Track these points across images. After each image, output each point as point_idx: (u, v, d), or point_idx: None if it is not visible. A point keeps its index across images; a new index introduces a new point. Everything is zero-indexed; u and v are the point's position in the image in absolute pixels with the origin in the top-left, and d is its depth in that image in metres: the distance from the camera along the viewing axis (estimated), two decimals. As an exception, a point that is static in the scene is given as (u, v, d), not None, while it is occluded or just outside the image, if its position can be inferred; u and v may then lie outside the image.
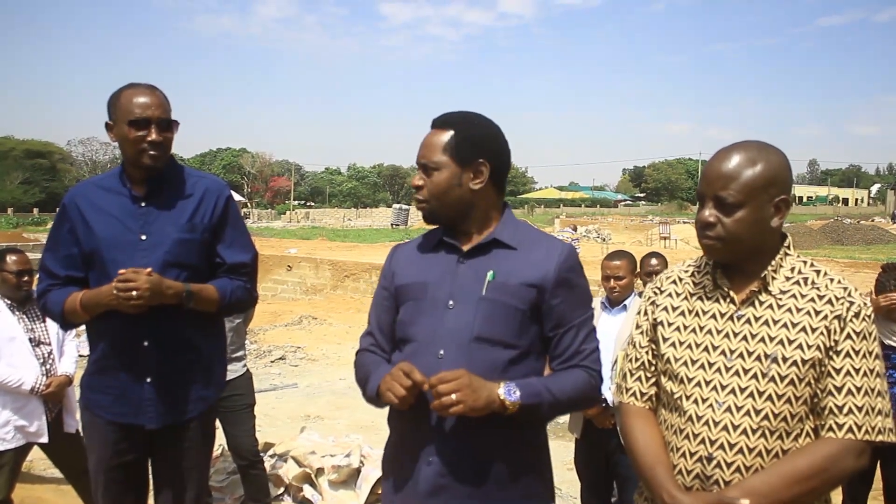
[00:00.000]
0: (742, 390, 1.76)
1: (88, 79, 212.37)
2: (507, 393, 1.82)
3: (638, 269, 4.12)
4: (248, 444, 4.33)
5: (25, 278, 3.98)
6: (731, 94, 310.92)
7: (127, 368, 2.60)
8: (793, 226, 39.56)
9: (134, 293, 2.40)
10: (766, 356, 1.75)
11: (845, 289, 1.77)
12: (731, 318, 1.82)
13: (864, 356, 1.72)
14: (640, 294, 3.83)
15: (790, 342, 1.74)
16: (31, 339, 3.99)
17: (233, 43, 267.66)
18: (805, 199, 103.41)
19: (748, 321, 1.79)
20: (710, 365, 1.81)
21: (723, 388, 1.78)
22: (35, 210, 50.08)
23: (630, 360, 2.01)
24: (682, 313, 1.91)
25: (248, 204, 70.17)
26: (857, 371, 1.71)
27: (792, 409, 1.73)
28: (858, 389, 1.71)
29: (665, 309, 1.95)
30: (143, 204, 2.62)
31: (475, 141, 1.99)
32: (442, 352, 1.93)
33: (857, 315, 1.73)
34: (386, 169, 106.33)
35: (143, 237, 2.58)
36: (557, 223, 40.35)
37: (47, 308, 2.69)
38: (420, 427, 1.95)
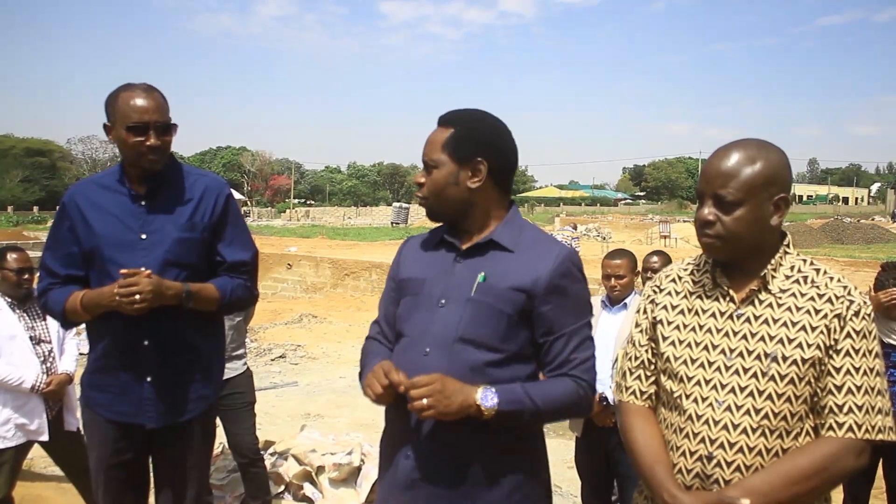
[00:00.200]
0: (742, 389, 1.76)
1: (88, 77, 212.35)
2: (484, 398, 1.80)
3: (639, 268, 4.12)
4: (248, 442, 4.33)
5: (26, 276, 3.98)
6: (732, 93, 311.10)
7: (127, 367, 2.60)
8: (793, 224, 39.56)
9: (137, 297, 2.40)
10: (766, 355, 1.75)
11: (845, 287, 1.77)
12: (730, 316, 1.82)
13: (864, 355, 1.72)
14: (641, 292, 3.83)
15: (790, 341, 1.74)
16: (31, 338, 3.99)
17: (232, 42, 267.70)
18: (805, 198, 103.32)
19: (748, 320, 1.79)
20: (710, 364, 1.81)
21: (723, 386, 1.78)
22: (35, 208, 50.11)
23: (630, 359, 2.01)
24: (682, 312, 1.91)
25: (249, 202, 70.14)
26: (857, 370, 1.71)
27: (792, 408, 1.73)
28: (858, 388, 1.71)
29: (664, 307, 1.95)
30: (142, 203, 2.62)
31: (474, 139, 1.97)
32: (428, 349, 1.94)
33: (856, 314, 1.73)
34: (386, 167, 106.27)
35: (143, 236, 2.58)
36: (557, 222, 40.33)
37: (48, 307, 2.69)
38: (403, 422, 1.98)
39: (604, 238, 33.75)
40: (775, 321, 1.77)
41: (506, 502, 1.92)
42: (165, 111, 2.58)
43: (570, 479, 4.85)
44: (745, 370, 1.76)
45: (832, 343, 1.73)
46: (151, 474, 2.82)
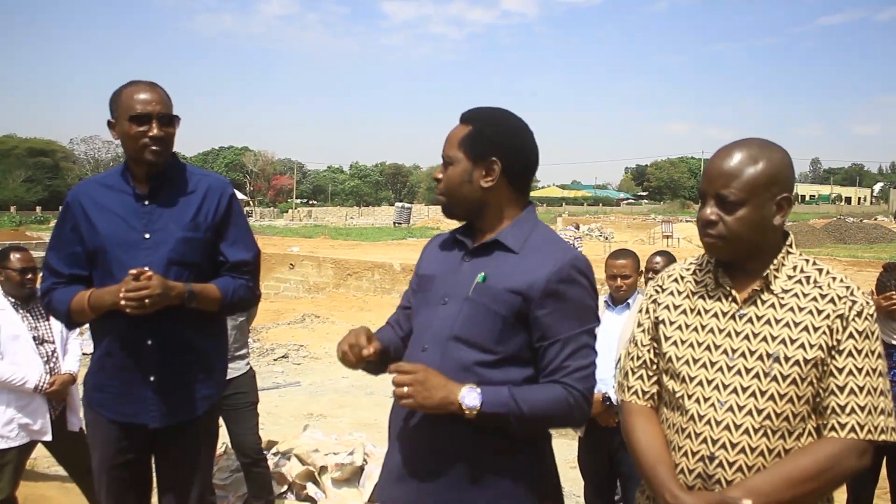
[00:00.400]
0: (744, 389, 1.76)
1: (90, 77, 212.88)
2: (466, 398, 1.79)
3: (643, 267, 4.12)
4: (251, 442, 4.33)
5: (29, 276, 3.98)
6: (733, 93, 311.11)
7: (130, 368, 2.60)
8: (795, 224, 39.52)
9: (147, 301, 2.40)
10: (769, 355, 1.74)
11: (847, 287, 1.76)
12: (733, 316, 1.81)
13: (866, 355, 1.72)
14: (644, 292, 3.82)
15: (792, 341, 1.73)
16: (34, 338, 3.99)
17: (234, 42, 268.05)
18: (808, 198, 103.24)
19: (750, 320, 1.79)
20: (712, 364, 1.81)
21: (725, 387, 1.78)
22: (38, 208, 50.23)
23: (632, 359, 2.01)
24: (684, 312, 1.90)
25: (251, 202, 70.22)
26: (860, 370, 1.71)
27: (794, 408, 1.73)
28: (861, 389, 1.70)
29: (667, 307, 1.94)
30: (146, 202, 2.62)
31: (489, 138, 1.95)
32: (426, 346, 1.97)
33: (859, 314, 1.73)
34: (388, 167, 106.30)
35: (147, 235, 2.59)
36: (560, 222, 40.30)
37: (52, 306, 2.69)
38: (396, 416, 2.03)
39: (606, 238, 33.75)
40: (778, 321, 1.76)
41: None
42: (168, 104, 2.60)
43: (572, 479, 4.85)
44: (748, 370, 1.76)
45: (835, 343, 1.72)
46: (154, 474, 2.82)
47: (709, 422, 1.78)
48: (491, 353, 1.89)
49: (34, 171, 62.30)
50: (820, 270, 1.81)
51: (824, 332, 1.72)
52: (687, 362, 1.85)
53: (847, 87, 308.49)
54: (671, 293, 1.96)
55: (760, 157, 1.74)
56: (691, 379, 1.83)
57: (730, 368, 1.78)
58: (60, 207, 2.77)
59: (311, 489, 4.59)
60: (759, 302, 1.80)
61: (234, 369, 4.22)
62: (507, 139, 1.97)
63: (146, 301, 2.40)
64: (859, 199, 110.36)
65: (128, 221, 2.60)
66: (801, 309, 1.76)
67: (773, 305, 1.78)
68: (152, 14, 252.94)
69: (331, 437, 5.23)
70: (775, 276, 1.80)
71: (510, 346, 1.90)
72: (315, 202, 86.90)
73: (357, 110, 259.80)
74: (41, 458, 5.21)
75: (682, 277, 1.97)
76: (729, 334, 1.80)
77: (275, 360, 10.53)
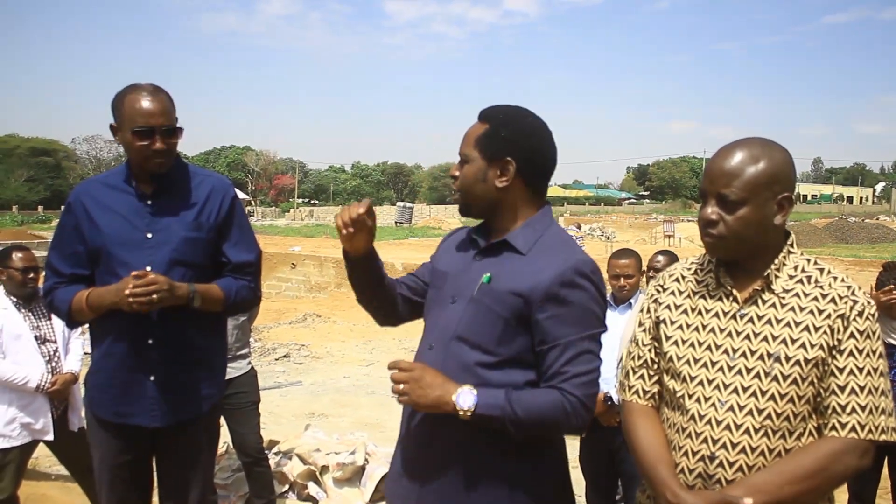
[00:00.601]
0: (745, 389, 1.76)
1: (93, 77, 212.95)
2: (461, 399, 1.78)
3: (645, 267, 4.12)
4: (252, 441, 4.34)
5: (31, 275, 3.98)
6: (736, 92, 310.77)
7: (131, 367, 2.61)
8: (797, 224, 39.50)
9: (154, 297, 2.40)
10: (769, 355, 1.74)
11: (849, 287, 1.76)
12: (733, 316, 1.81)
13: (867, 355, 1.72)
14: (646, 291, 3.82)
15: (793, 341, 1.73)
16: (36, 337, 4.00)
17: (237, 41, 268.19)
18: (809, 198, 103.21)
19: (751, 320, 1.79)
20: (713, 363, 1.81)
21: (725, 386, 1.78)
22: (40, 208, 50.29)
23: (633, 358, 2.01)
24: (685, 311, 1.90)
25: (253, 202, 70.21)
26: (861, 370, 1.71)
27: (795, 408, 1.73)
28: (862, 388, 1.70)
29: (668, 307, 1.94)
30: (149, 202, 2.62)
31: (505, 138, 1.93)
32: (432, 344, 1.98)
33: (860, 314, 1.73)
34: (390, 167, 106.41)
35: (149, 235, 2.59)
36: (561, 221, 40.27)
37: (54, 306, 2.69)
38: (402, 414, 2.05)
39: (608, 238, 33.75)
40: (778, 321, 1.76)
41: None
42: (171, 114, 2.58)
43: (573, 479, 4.83)
44: (748, 370, 1.76)
45: (835, 343, 1.72)
46: (155, 474, 2.83)
47: (709, 421, 1.78)
48: (491, 355, 1.88)
49: (36, 170, 62.35)
50: (821, 270, 1.81)
51: (825, 332, 1.72)
52: (688, 362, 1.85)
53: (851, 87, 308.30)
54: (672, 293, 1.96)
55: (761, 157, 1.74)
56: (692, 378, 1.83)
57: (730, 368, 1.78)
58: (62, 207, 2.77)
59: (312, 489, 4.59)
60: (760, 301, 1.80)
61: (236, 369, 4.22)
62: (524, 139, 1.94)
63: (154, 297, 2.40)
64: (861, 198, 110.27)
65: (130, 221, 2.60)
66: (802, 308, 1.76)
67: (774, 305, 1.78)
68: (156, 13, 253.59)
69: (332, 437, 5.24)
70: (776, 276, 1.80)
71: (511, 349, 1.88)
72: (317, 202, 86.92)
73: (359, 110, 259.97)
74: (43, 458, 5.21)
75: (684, 277, 1.97)
76: (730, 334, 1.80)
77: (276, 359, 10.54)
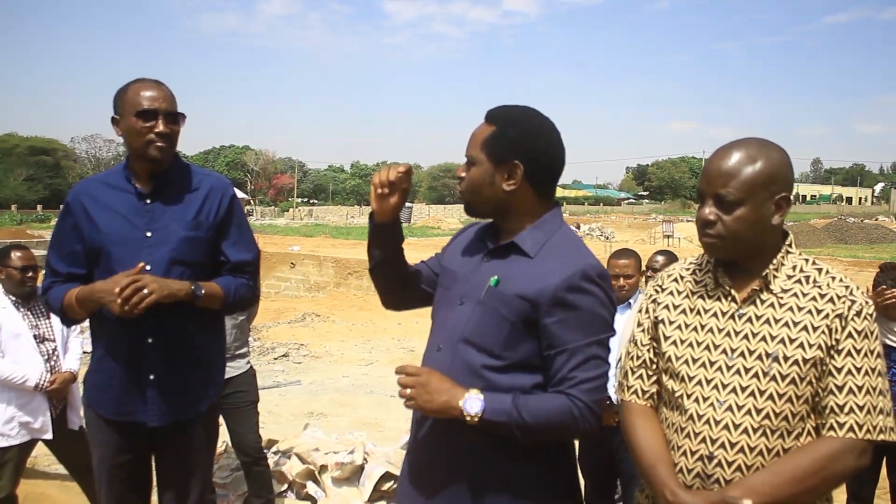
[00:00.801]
0: (743, 389, 1.76)
1: (92, 76, 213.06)
2: (468, 404, 1.78)
3: (644, 267, 4.12)
4: (251, 440, 4.33)
5: (30, 274, 3.98)
6: (736, 92, 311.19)
7: (130, 366, 2.61)
8: (796, 224, 39.53)
9: (146, 290, 2.40)
10: (768, 355, 1.75)
11: (847, 287, 1.77)
12: (732, 316, 1.82)
13: (865, 355, 1.72)
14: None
15: (791, 341, 1.74)
16: (35, 336, 4.00)
17: (237, 40, 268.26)
18: (808, 198, 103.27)
19: (749, 320, 1.79)
20: (712, 363, 1.81)
21: (724, 386, 1.78)
22: (39, 207, 50.31)
23: (632, 358, 2.01)
24: (684, 311, 1.91)
25: (252, 201, 70.20)
26: (859, 370, 1.71)
27: (793, 407, 1.73)
28: (860, 388, 1.71)
29: (666, 307, 1.94)
30: (148, 201, 2.63)
31: (512, 140, 1.90)
32: (440, 346, 1.97)
33: (858, 313, 1.73)
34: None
35: (149, 234, 2.59)
36: (561, 221, 40.23)
37: (49, 304, 2.70)
38: (412, 418, 2.05)
39: (607, 238, 33.73)
40: (777, 321, 1.76)
41: None
42: (174, 102, 2.61)
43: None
44: (747, 370, 1.76)
45: (833, 343, 1.72)
46: (154, 473, 2.83)
47: (708, 421, 1.78)
48: (498, 358, 1.87)
49: (35, 169, 62.34)
50: (819, 270, 1.81)
51: (823, 332, 1.73)
52: (686, 362, 1.85)
53: (850, 87, 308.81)
54: (671, 293, 1.96)
55: (759, 157, 1.74)
56: (690, 378, 1.83)
57: (729, 368, 1.78)
58: (61, 206, 2.77)
59: (311, 488, 4.59)
60: (758, 301, 1.80)
61: (235, 368, 4.22)
62: (531, 141, 1.91)
63: (145, 291, 2.39)
64: (860, 199, 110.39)
65: (130, 220, 2.60)
66: (800, 308, 1.76)
67: (772, 305, 1.78)
68: (156, 13, 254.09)
69: (331, 436, 5.24)
70: (774, 276, 1.80)
71: (518, 353, 1.87)
72: (316, 201, 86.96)
73: (358, 109, 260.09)
74: (41, 457, 5.21)
75: (682, 277, 1.97)
76: (728, 334, 1.81)
77: (275, 358, 10.53)
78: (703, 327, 1.85)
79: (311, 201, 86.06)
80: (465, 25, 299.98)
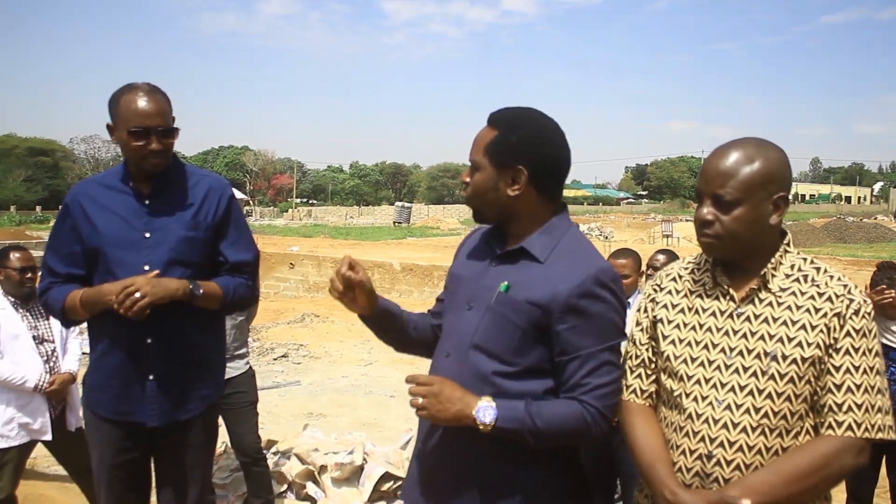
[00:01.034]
0: (742, 388, 1.76)
1: (91, 77, 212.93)
2: (481, 413, 1.77)
3: (645, 266, 4.12)
4: (251, 441, 4.33)
5: (29, 275, 3.98)
6: (735, 92, 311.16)
7: (129, 366, 2.61)
8: (795, 224, 39.55)
9: (137, 294, 2.40)
10: (766, 354, 1.75)
11: (845, 286, 1.77)
12: (730, 315, 1.82)
13: (863, 353, 1.72)
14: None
15: (790, 340, 1.74)
16: (34, 337, 4.00)
17: (236, 41, 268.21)
18: (807, 198, 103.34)
19: (748, 319, 1.79)
20: (710, 363, 1.81)
21: (722, 385, 1.78)
22: (38, 208, 50.27)
23: (630, 358, 2.01)
24: (682, 311, 1.91)
25: (251, 202, 70.19)
26: (857, 368, 1.71)
27: (791, 406, 1.73)
28: (858, 387, 1.71)
29: (665, 306, 1.95)
30: (146, 202, 2.63)
31: (514, 145, 1.88)
32: (449, 352, 1.96)
33: (856, 312, 1.73)
34: (388, 167, 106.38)
35: (147, 235, 2.59)
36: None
37: (48, 305, 2.70)
38: (420, 423, 2.03)
39: (606, 237, 33.74)
40: (775, 320, 1.77)
41: None
42: (167, 115, 2.58)
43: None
44: (745, 369, 1.76)
45: (832, 342, 1.72)
46: (153, 474, 2.83)
47: (706, 420, 1.78)
48: (509, 365, 1.86)
49: (34, 170, 62.31)
50: (818, 269, 1.81)
51: (822, 331, 1.73)
52: (685, 361, 1.85)
53: (850, 87, 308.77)
54: (669, 292, 1.96)
55: (756, 157, 1.74)
56: (689, 377, 1.83)
57: (727, 367, 1.79)
58: (60, 207, 2.77)
59: (310, 488, 4.59)
60: (756, 300, 1.80)
61: (234, 368, 4.22)
62: (534, 145, 1.89)
63: (137, 295, 2.41)
64: (859, 198, 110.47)
65: (128, 221, 2.61)
66: (798, 307, 1.76)
67: (770, 304, 1.79)
68: (156, 13, 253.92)
69: (330, 437, 5.24)
70: (773, 275, 1.81)
71: (529, 359, 1.86)
72: (315, 201, 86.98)
73: (357, 109, 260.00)
74: (41, 458, 5.21)
75: (681, 276, 1.97)
76: (727, 333, 1.81)
77: (274, 359, 10.52)
78: (701, 326, 1.85)
79: (311, 201, 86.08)
80: (463, 25, 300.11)
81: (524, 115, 1.94)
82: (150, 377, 2.60)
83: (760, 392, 1.74)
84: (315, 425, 6.11)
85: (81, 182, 2.81)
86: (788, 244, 1.85)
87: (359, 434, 5.34)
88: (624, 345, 1.95)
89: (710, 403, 1.79)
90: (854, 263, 20.14)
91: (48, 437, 4.01)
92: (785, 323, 1.75)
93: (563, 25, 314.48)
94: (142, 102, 2.52)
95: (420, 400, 1.80)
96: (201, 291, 2.57)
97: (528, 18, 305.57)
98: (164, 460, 2.77)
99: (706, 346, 1.83)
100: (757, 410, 1.74)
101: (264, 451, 4.56)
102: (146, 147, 2.53)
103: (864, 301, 1.75)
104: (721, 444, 1.76)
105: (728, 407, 1.77)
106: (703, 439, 1.78)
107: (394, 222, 49.28)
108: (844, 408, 1.71)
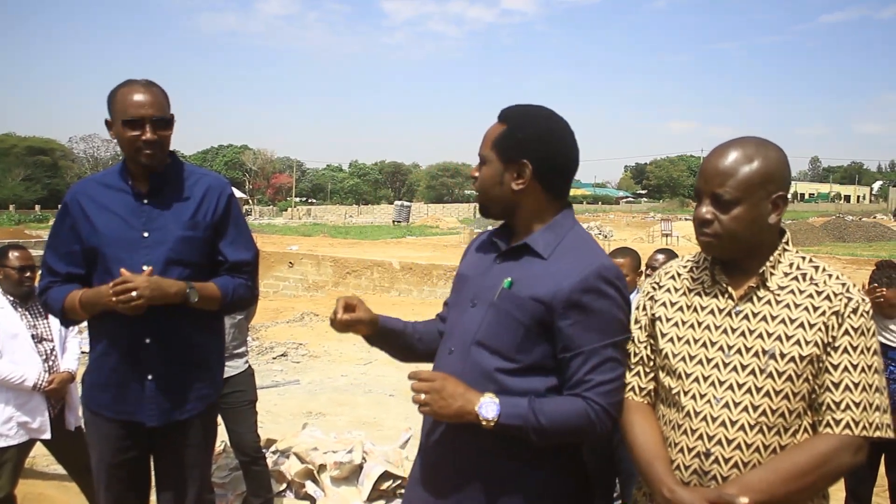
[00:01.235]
0: (740, 386, 1.76)
1: (91, 76, 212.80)
2: (484, 409, 1.77)
3: (644, 265, 4.12)
4: (250, 440, 4.33)
5: (28, 274, 3.98)
6: (735, 92, 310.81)
7: (128, 366, 2.61)
8: (794, 223, 39.54)
9: (133, 293, 2.41)
10: (764, 352, 1.75)
11: (843, 284, 1.77)
12: (729, 313, 1.82)
13: (861, 352, 1.72)
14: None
15: (788, 338, 1.74)
16: (33, 336, 4.00)
17: (236, 40, 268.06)
18: (807, 197, 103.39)
19: (746, 317, 1.80)
20: (708, 361, 1.81)
21: (720, 383, 1.78)
22: (37, 207, 50.25)
23: (629, 356, 2.01)
24: (681, 309, 1.91)
25: (250, 201, 70.17)
26: (855, 367, 1.71)
27: (790, 405, 1.74)
28: (856, 385, 1.71)
29: (663, 304, 1.95)
30: (145, 201, 2.63)
31: (521, 140, 1.89)
32: (452, 349, 1.97)
33: (855, 311, 1.73)
34: (387, 166, 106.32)
35: (146, 234, 2.59)
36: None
37: (48, 305, 2.70)
38: (423, 420, 2.03)
39: (605, 236, 33.73)
40: (773, 318, 1.77)
41: None
42: (163, 106, 2.58)
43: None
44: (744, 367, 1.77)
45: (830, 340, 1.73)
46: (153, 473, 2.83)
47: (705, 418, 1.79)
48: (512, 361, 1.87)
49: (33, 169, 62.29)
50: (816, 268, 1.82)
51: (820, 329, 1.73)
52: (683, 359, 1.85)
53: (849, 86, 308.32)
54: (668, 290, 1.96)
55: (756, 156, 1.74)
56: (687, 375, 1.83)
57: (726, 365, 1.79)
58: (59, 206, 2.77)
59: (310, 487, 4.59)
60: (755, 299, 1.80)
61: (233, 367, 4.22)
62: (540, 142, 1.90)
63: (133, 294, 2.40)
64: (858, 197, 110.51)
65: (127, 220, 2.61)
66: (797, 306, 1.76)
67: (769, 302, 1.79)
68: (156, 13, 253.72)
69: (330, 436, 5.24)
70: (771, 274, 1.81)
71: (532, 356, 1.86)
72: (314, 200, 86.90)
73: (357, 109, 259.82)
74: (40, 457, 5.21)
75: (679, 275, 1.97)
76: (725, 331, 1.81)
77: (274, 358, 10.53)
78: (700, 324, 1.85)
79: (310, 201, 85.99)
80: (463, 24, 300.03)
81: (534, 112, 1.96)
82: (150, 377, 2.61)
83: (759, 390, 1.74)
84: (314, 424, 6.11)
85: (80, 181, 2.81)
86: (787, 243, 1.85)
87: (358, 433, 5.34)
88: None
89: (709, 401, 1.79)
90: (853, 262, 20.15)
91: (47, 436, 4.02)
92: (783, 321, 1.76)
93: (563, 25, 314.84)
94: (137, 94, 2.54)
95: (422, 396, 1.80)
96: (196, 298, 2.57)
97: (527, 18, 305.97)
98: (163, 460, 2.77)
99: (705, 344, 1.83)
100: (755, 408, 1.74)
101: (263, 450, 4.56)
102: (140, 137, 2.52)
103: (863, 299, 1.75)
104: (719, 442, 1.76)
105: (726, 405, 1.77)
106: (701, 437, 1.78)
107: (393, 221, 49.25)
108: (842, 406, 1.71)
